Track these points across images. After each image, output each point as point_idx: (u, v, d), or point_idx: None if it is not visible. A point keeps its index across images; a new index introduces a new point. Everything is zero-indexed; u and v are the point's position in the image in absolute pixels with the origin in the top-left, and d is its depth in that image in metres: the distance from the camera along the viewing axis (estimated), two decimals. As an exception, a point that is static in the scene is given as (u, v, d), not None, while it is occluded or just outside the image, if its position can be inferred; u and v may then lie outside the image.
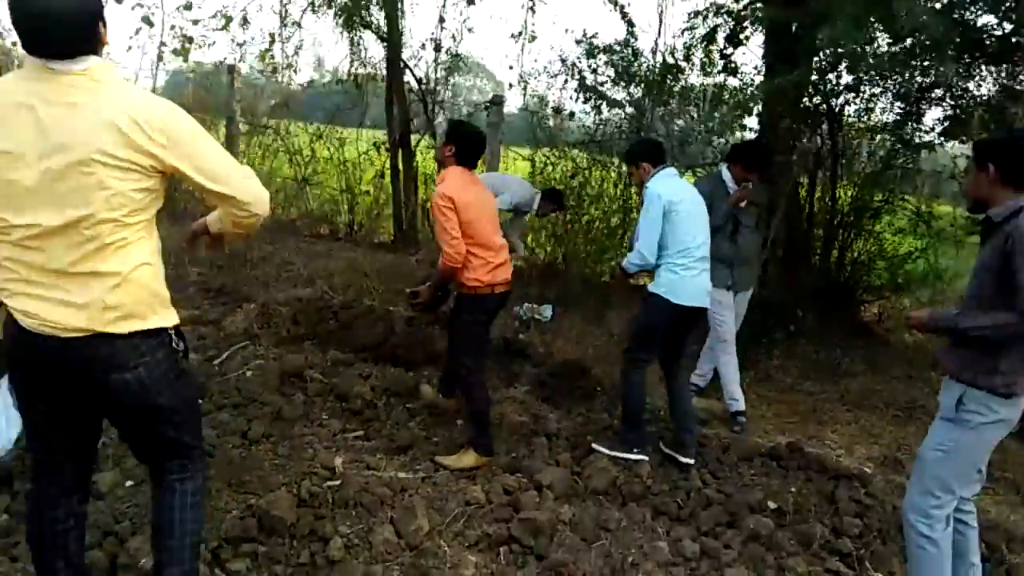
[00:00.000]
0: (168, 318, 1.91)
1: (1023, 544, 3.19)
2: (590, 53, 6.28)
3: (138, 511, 2.64)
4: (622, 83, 6.50)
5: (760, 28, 6.00)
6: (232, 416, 3.49)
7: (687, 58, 6.57)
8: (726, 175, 4.18)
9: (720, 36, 6.41)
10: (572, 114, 6.88)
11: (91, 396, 1.84)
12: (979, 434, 2.29)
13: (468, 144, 3.36)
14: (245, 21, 6.88)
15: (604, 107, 6.50)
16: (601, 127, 6.82)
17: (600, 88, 6.38)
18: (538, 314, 5.68)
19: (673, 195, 3.45)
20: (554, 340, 5.29)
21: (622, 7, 6.79)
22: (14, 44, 6.65)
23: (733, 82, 6.36)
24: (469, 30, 7.41)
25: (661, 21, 7.14)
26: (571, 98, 6.68)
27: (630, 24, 6.80)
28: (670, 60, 6.60)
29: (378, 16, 7.21)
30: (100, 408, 1.91)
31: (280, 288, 5.68)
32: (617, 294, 5.74)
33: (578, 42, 6.22)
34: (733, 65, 6.39)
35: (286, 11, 7.50)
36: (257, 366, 4.18)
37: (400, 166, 7.15)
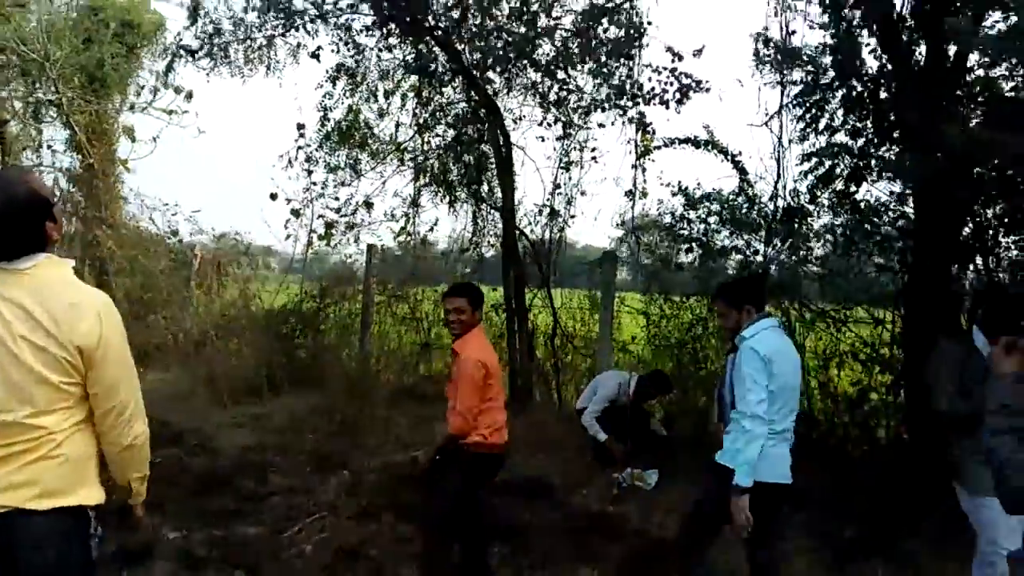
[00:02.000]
0: (92, 496, 1.89)
1: None
2: (691, 204, 6.09)
3: None
4: (731, 230, 6.20)
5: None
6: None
7: (812, 200, 6.19)
8: (980, 343, 2.95)
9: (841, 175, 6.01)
10: (680, 266, 6.61)
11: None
12: None
13: (477, 293, 3.56)
14: (368, 205, 7.60)
15: (713, 256, 6.18)
16: (716, 275, 6.47)
17: (705, 238, 6.10)
18: (640, 480, 5.18)
19: (776, 357, 3.01)
20: (654, 513, 4.74)
21: (733, 156, 6.67)
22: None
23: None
24: (582, 193, 7.54)
25: (779, 164, 6.81)
26: (679, 250, 6.45)
27: (742, 172, 6.63)
28: (792, 204, 6.27)
29: (494, 188, 7.66)
30: None
31: (381, 455, 5.72)
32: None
33: (674, 194, 6.08)
34: (859, 203, 5.90)
35: (414, 193, 8.22)
36: (321, 540, 4.11)
37: (516, 328, 7.19)
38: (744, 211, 6.40)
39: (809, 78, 5.83)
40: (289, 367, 7.62)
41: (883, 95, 5.37)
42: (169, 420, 6.45)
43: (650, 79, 5.84)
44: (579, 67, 6.36)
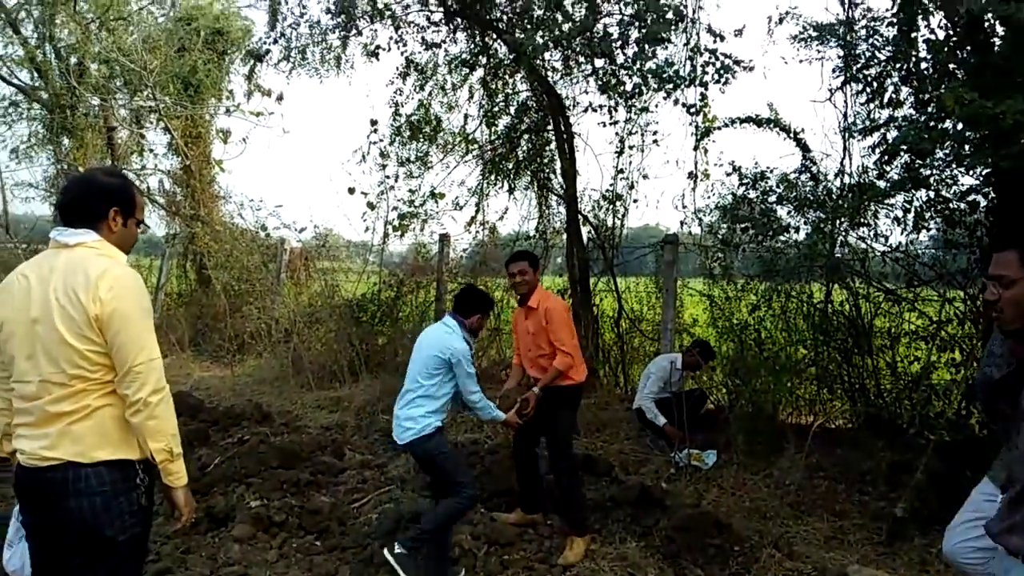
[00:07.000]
0: (134, 452, 2.08)
1: None
2: (748, 183, 6.07)
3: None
4: (791, 208, 6.13)
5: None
6: (329, 559, 3.75)
7: (880, 176, 6.05)
8: None
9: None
10: (739, 246, 6.57)
11: (58, 523, 2.02)
12: None
13: (534, 256, 4.34)
14: (433, 195, 7.94)
15: (772, 236, 6.13)
16: (781, 256, 6.40)
17: (763, 217, 6.06)
18: (698, 460, 5.27)
19: None
20: (709, 490, 4.84)
21: (795, 133, 6.59)
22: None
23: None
24: (644, 176, 7.60)
25: (844, 140, 6.65)
26: (739, 229, 6.42)
27: (805, 149, 6.54)
28: (860, 180, 6.15)
29: (557, 175, 7.84)
30: (62, 539, 2.04)
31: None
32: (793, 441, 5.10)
33: (728, 174, 6.08)
34: (927, 178, 5.71)
35: (482, 186, 8.48)
36: (385, 510, 4.44)
37: (580, 310, 7.35)
38: (807, 189, 6.32)
39: (870, 50, 5.71)
40: (368, 352, 8.07)
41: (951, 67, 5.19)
42: (259, 402, 7.00)
43: (690, 60, 5.85)
44: (632, 50, 6.37)
